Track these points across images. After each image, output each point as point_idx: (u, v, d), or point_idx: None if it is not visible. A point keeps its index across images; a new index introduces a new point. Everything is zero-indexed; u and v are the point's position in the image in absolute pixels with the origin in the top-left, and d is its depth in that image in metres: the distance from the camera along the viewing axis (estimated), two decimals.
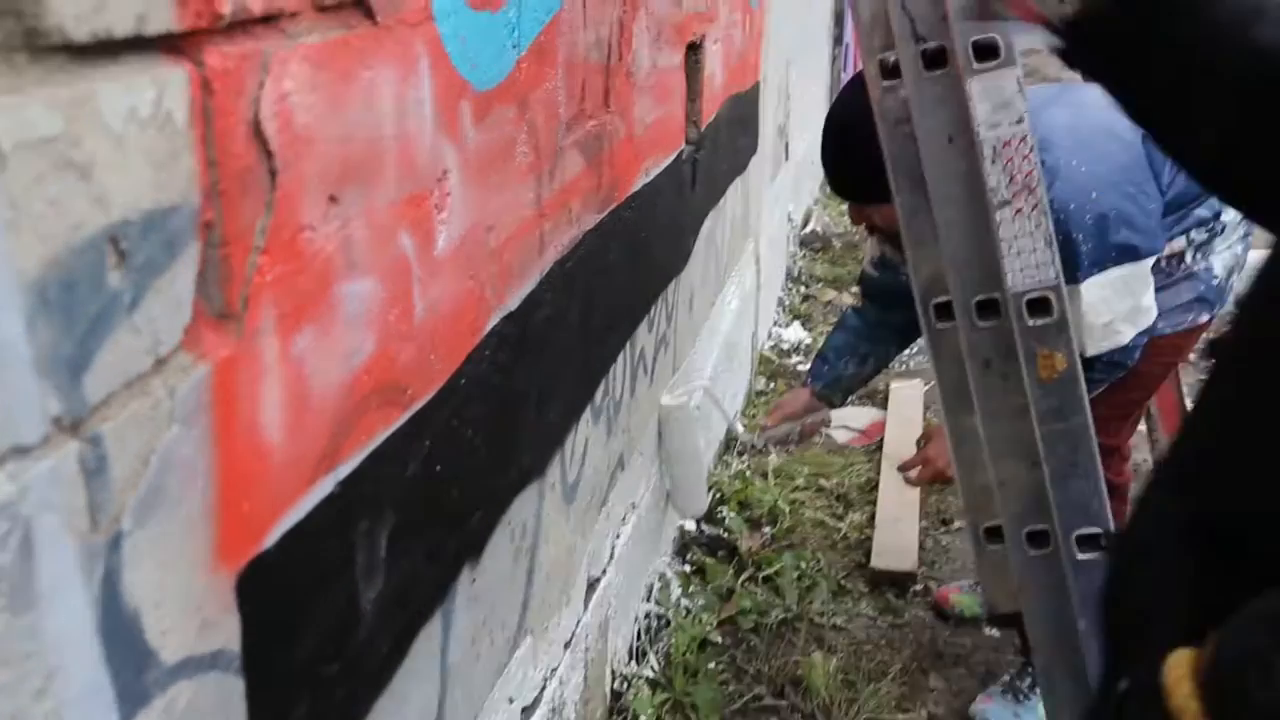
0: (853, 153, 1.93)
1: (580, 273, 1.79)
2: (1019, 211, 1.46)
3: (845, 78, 8.00)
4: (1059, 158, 1.89)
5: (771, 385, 4.23)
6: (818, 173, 7.22)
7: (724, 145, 3.19)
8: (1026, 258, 1.48)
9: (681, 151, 2.57)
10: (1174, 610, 0.86)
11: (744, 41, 3.42)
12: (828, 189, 7.33)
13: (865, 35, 1.50)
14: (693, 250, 2.84)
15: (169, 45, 0.76)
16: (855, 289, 2.73)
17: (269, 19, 0.88)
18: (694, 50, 2.63)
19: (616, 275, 2.05)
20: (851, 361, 2.63)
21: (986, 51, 1.42)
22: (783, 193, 5.14)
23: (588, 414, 1.98)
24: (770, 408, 2.83)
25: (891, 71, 1.50)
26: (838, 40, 7.57)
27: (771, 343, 4.68)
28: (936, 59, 1.46)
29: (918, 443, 2.55)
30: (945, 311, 1.57)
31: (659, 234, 2.40)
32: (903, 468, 2.51)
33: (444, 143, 1.22)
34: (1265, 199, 0.97)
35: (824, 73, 7.13)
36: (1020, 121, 1.43)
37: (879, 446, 3.74)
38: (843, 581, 3.00)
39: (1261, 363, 0.84)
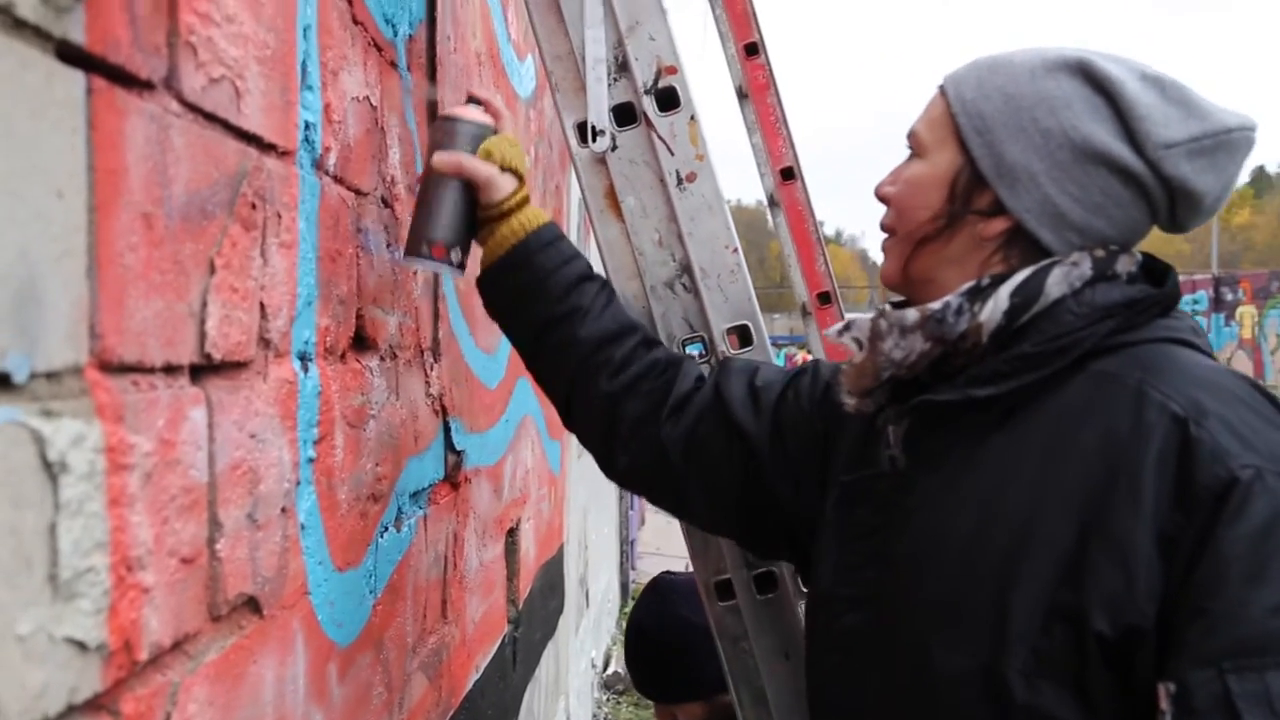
0: (656, 655, 2.05)
1: None
2: None
3: (633, 514, 8.31)
4: None
5: None
6: (614, 610, 7.31)
7: (538, 614, 3.24)
8: None
9: (504, 635, 2.60)
10: None
11: (550, 509, 3.57)
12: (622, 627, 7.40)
13: (699, 561, 1.62)
14: None
15: (91, 705, 0.77)
16: None
17: (176, 645, 0.90)
18: (512, 534, 2.73)
19: None
20: None
21: None
22: (586, 640, 5.17)
23: None
24: None
25: (726, 591, 1.61)
26: None
27: None
28: (767, 582, 1.59)
29: None
30: None
31: None
32: None
33: (314, 711, 1.22)
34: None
35: (614, 511, 7.40)
36: None
37: None
38: None
39: None
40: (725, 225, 1.56)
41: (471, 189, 1.44)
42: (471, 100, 1.52)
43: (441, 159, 1.44)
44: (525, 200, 1.47)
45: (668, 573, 2.19)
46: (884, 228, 1.30)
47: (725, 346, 1.56)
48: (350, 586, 1.36)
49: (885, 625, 1.19)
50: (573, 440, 4.39)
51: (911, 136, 1.28)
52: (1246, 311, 26.35)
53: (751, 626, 1.58)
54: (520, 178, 1.47)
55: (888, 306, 1.25)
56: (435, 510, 1.86)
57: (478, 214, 1.45)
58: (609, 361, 1.44)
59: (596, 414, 1.46)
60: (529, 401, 2.98)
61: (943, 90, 1.26)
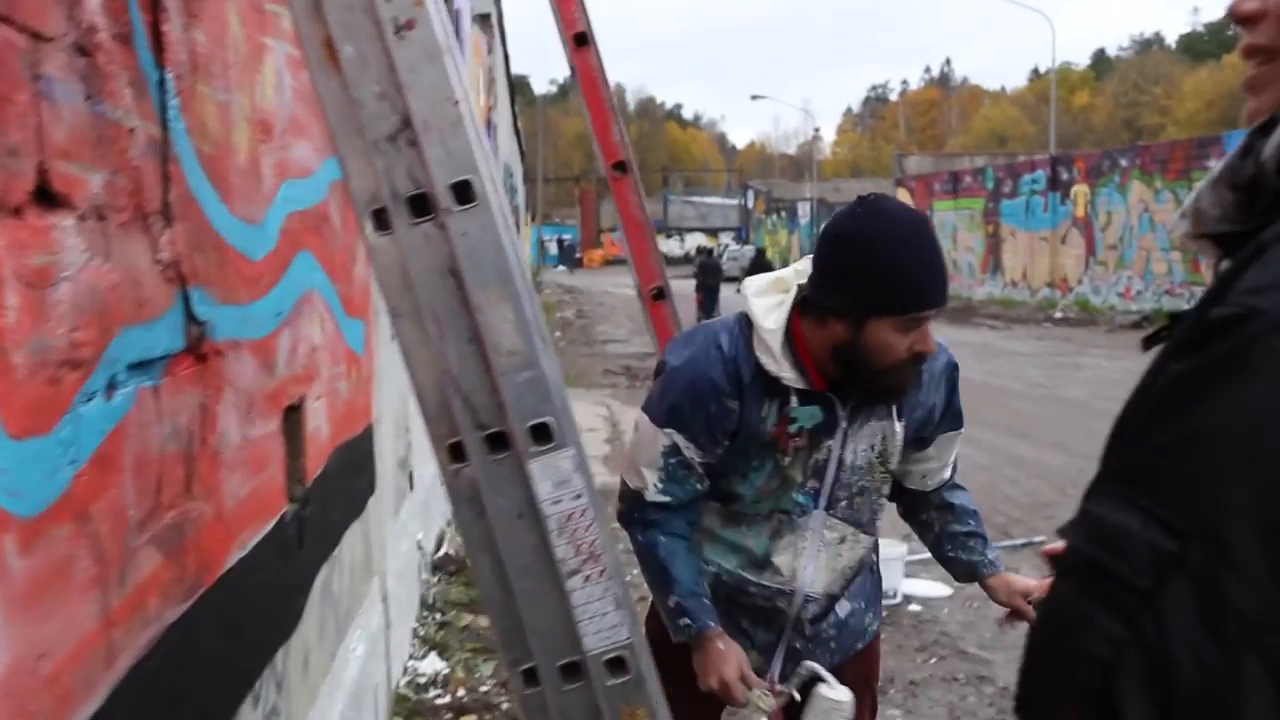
0: (835, 266, 2.16)
1: (163, 670, 1.71)
2: (588, 578, 1.56)
3: None
4: None
5: None
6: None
7: (336, 494, 3.19)
8: (599, 621, 1.57)
9: (285, 513, 2.55)
10: None
11: (351, 389, 3.50)
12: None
13: (432, 424, 1.59)
14: (305, 608, 2.77)
15: None
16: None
17: None
18: (293, 411, 2.66)
19: (209, 662, 1.97)
20: (705, 583, 2.37)
21: (542, 435, 1.55)
22: (410, 522, 5.15)
23: None
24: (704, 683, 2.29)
25: (458, 454, 1.59)
26: None
27: (408, 679, 4.55)
28: (499, 442, 1.57)
29: None
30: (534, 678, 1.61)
31: (261, 605, 2.34)
32: None
33: None
34: None
35: None
36: (579, 497, 1.55)
37: None
38: None
39: None
40: (445, 76, 1.50)
41: None
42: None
43: None
44: None
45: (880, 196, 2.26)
46: (1254, 50, 1.00)
47: (449, 202, 1.51)
48: (33, 455, 1.29)
49: None
50: (383, 321, 4.30)
51: None
52: (1080, 190, 27.31)
53: (485, 488, 1.56)
54: None
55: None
56: (173, 381, 1.78)
57: None
58: None
59: None
60: (314, 276, 2.88)
61: None
